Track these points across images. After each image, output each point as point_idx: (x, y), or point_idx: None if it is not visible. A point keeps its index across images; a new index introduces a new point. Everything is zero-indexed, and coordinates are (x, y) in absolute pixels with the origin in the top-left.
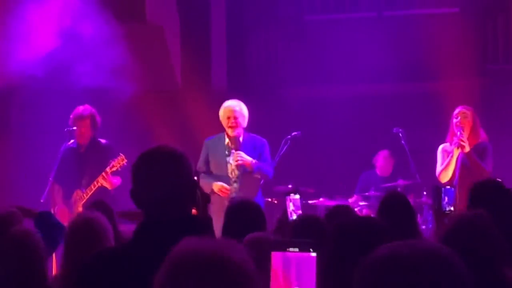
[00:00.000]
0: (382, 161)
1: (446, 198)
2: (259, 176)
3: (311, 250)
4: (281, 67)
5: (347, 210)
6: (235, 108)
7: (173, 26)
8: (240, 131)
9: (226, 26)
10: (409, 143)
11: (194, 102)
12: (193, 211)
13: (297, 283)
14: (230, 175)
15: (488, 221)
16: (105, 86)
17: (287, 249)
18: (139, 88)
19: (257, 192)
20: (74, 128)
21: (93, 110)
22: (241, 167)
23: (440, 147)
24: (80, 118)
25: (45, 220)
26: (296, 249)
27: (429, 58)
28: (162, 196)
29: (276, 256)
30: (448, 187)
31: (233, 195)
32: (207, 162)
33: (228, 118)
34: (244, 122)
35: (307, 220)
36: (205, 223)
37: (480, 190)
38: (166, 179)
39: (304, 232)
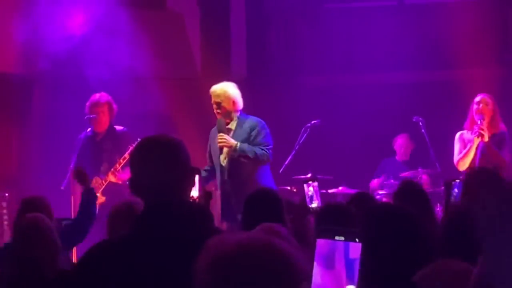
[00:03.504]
0: (401, 143)
1: (455, 192)
2: (246, 161)
3: (357, 239)
4: (301, 55)
5: (369, 197)
6: (216, 93)
7: (193, 13)
8: (229, 115)
9: (245, 14)
10: (429, 131)
11: None
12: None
13: (341, 270)
14: (222, 164)
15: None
16: (125, 74)
17: (333, 237)
18: (159, 75)
19: (255, 180)
20: (94, 115)
21: (109, 97)
22: (230, 155)
23: (458, 134)
24: (97, 104)
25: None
26: (342, 238)
27: (449, 47)
28: (160, 182)
29: (321, 243)
30: (458, 181)
31: (225, 186)
32: (209, 153)
33: (212, 104)
34: (232, 104)
35: (333, 208)
36: (203, 209)
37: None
38: (163, 166)
39: (330, 220)
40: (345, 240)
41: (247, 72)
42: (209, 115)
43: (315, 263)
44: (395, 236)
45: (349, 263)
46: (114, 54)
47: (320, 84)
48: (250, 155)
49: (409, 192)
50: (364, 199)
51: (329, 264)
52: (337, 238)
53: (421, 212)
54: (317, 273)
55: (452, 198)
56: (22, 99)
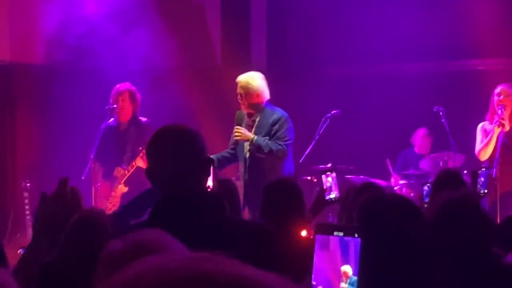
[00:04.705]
0: (420, 140)
1: (481, 181)
2: (263, 156)
3: (356, 235)
4: (321, 45)
5: (376, 187)
6: (240, 84)
7: (214, 3)
8: (253, 107)
9: (266, 3)
10: (449, 121)
11: (233, 80)
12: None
13: (341, 266)
14: (246, 156)
15: (475, 202)
16: (145, 64)
17: (332, 233)
18: (179, 65)
19: (272, 174)
20: (115, 106)
21: (132, 87)
22: (251, 149)
23: (480, 125)
24: (117, 93)
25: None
26: (341, 233)
27: (470, 36)
28: (177, 172)
29: (320, 239)
30: (484, 169)
31: (245, 177)
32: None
33: (237, 94)
34: (255, 97)
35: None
36: (218, 199)
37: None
38: (180, 155)
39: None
40: (344, 235)
41: (267, 62)
42: (229, 105)
43: (315, 258)
44: (397, 228)
45: (343, 243)
46: (134, 44)
47: (341, 74)
48: (265, 150)
49: (448, 180)
50: (371, 189)
51: (324, 246)
52: (336, 234)
53: None
54: (316, 267)
55: (479, 187)
56: (42, 90)
